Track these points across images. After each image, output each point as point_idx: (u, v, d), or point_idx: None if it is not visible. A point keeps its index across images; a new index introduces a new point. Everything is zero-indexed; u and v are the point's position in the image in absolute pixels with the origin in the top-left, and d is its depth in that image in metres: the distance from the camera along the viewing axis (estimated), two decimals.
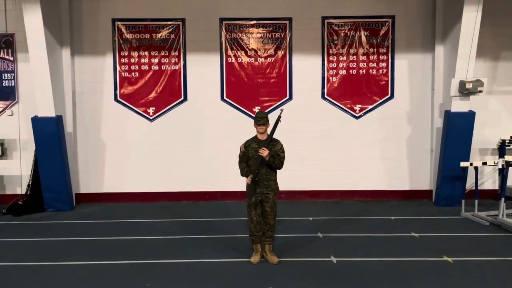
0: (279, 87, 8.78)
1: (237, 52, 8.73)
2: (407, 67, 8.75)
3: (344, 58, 8.74)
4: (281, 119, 5.16)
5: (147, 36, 8.68)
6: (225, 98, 8.78)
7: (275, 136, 5.36)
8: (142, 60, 8.71)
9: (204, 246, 5.94)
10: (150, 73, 8.72)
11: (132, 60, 8.71)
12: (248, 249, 5.60)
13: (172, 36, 8.69)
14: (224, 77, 8.76)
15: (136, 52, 8.70)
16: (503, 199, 6.79)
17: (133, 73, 8.73)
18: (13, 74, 8.61)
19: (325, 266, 5.17)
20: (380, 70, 8.76)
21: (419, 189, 8.86)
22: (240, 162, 5.34)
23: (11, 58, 8.60)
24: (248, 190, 5.24)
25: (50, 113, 7.87)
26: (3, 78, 8.62)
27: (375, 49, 8.72)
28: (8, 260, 5.49)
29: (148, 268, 5.16)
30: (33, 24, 7.47)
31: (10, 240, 6.39)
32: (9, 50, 8.59)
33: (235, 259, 5.42)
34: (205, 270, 5.09)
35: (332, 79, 8.78)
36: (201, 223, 7.19)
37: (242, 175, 5.33)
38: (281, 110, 5.28)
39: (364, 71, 8.75)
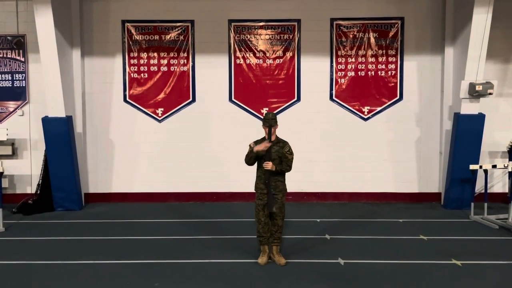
0: (287, 89, 8.77)
1: (245, 54, 8.75)
2: (416, 69, 8.71)
3: (353, 59, 8.71)
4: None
5: (156, 37, 8.74)
6: (233, 99, 8.80)
7: (283, 137, 5.39)
8: (151, 61, 8.76)
9: (212, 247, 5.96)
10: (159, 74, 8.77)
11: (141, 61, 8.77)
12: (256, 250, 5.60)
13: (181, 37, 8.73)
14: (233, 79, 8.78)
15: (145, 53, 8.75)
16: None
17: (142, 74, 8.78)
18: (24, 74, 8.71)
19: (333, 268, 5.17)
20: (389, 72, 8.72)
21: (428, 192, 8.79)
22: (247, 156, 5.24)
23: (22, 59, 8.69)
24: (266, 202, 5.19)
25: (60, 113, 7.93)
26: (15, 78, 8.72)
27: (384, 51, 8.68)
28: (17, 258, 5.55)
29: (156, 268, 5.19)
30: (44, 25, 7.55)
31: (20, 238, 6.46)
32: (21, 51, 8.69)
33: (242, 260, 5.43)
34: (212, 271, 5.11)
35: (340, 80, 8.76)
36: (208, 223, 7.21)
37: (246, 159, 5.22)
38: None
39: (373, 72, 8.72)
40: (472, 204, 7.49)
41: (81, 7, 8.52)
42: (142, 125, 8.82)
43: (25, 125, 8.70)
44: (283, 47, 8.73)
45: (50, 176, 8.16)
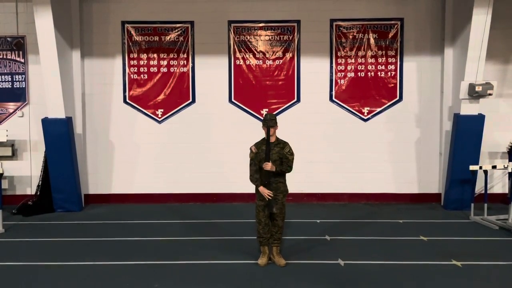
0: (287, 90, 8.78)
1: (245, 55, 8.75)
2: (416, 70, 8.71)
3: (353, 60, 8.72)
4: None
5: (156, 38, 8.74)
6: (233, 100, 8.80)
7: (283, 138, 5.38)
8: (151, 62, 8.77)
9: (212, 248, 5.96)
10: (159, 75, 8.77)
11: (141, 62, 8.77)
12: (256, 251, 5.60)
13: (181, 38, 8.74)
14: (232, 79, 8.78)
15: (145, 54, 8.75)
16: None
17: (142, 75, 8.78)
18: (24, 76, 8.71)
19: (333, 269, 5.16)
20: (389, 73, 8.72)
21: (427, 193, 8.79)
22: (251, 165, 5.29)
23: (22, 60, 8.69)
24: (266, 203, 5.17)
25: (60, 114, 7.94)
26: (14, 79, 8.71)
27: (384, 52, 8.69)
28: (17, 260, 5.55)
29: (156, 269, 5.19)
30: (44, 26, 7.55)
31: (20, 240, 6.46)
32: (20, 52, 8.69)
33: (242, 261, 5.42)
34: (212, 272, 5.11)
35: (340, 81, 8.76)
36: (208, 224, 7.21)
37: (251, 180, 5.30)
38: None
39: (373, 73, 8.73)
40: (472, 204, 7.49)
41: (81, 8, 8.52)
42: (142, 126, 8.82)
43: (25, 126, 8.70)
44: (283, 48, 8.74)
45: (50, 177, 8.15)
